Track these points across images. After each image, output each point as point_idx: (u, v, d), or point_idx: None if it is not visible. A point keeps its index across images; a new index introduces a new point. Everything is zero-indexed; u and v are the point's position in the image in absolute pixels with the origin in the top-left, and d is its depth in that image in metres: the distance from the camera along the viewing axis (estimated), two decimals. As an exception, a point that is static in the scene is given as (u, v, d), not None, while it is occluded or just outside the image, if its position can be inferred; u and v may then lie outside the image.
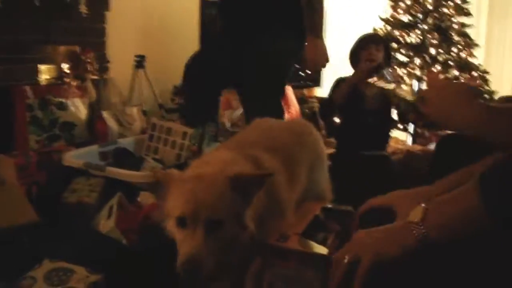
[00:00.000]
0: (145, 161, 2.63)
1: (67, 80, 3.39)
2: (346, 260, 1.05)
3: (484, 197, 0.94)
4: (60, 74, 3.41)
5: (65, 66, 3.40)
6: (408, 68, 4.44)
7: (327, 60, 2.82)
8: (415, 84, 4.53)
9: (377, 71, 3.17)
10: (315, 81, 4.99)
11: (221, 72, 2.78)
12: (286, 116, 4.29)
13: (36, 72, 3.25)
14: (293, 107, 4.52)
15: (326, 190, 2.03)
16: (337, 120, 3.80)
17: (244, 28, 2.74)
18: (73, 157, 2.40)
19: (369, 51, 3.39)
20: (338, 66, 5.15)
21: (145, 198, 2.10)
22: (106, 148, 2.71)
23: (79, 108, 3.32)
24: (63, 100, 3.24)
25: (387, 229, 1.08)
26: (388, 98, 3.28)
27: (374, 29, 4.63)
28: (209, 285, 1.39)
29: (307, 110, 4.77)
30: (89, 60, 3.46)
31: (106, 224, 1.85)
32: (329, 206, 2.21)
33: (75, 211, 2.03)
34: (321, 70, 2.73)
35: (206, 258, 1.26)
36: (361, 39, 3.55)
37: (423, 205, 1.03)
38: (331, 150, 4.07)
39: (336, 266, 1.07)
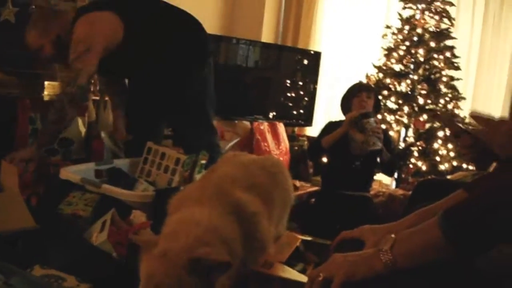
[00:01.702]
0: (138, 183, 2.74)
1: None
2: (320, 278, 1.18)
3: (445, 230, 1.10)
4: (64, 91, 3.53)
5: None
6: (396, 116, 4.60)
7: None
8: (403, 131, 4.70)
9: (365, 117, 3.33)
10: (307, 120, 5.14)
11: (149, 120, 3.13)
12: (270, 148, 4.44)
13: (41, 87, 3.37)
14: (283, 144, 4.64)
15: (284, 228, 2.05)
16: (324, 159, 3.93)
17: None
18: (71, 172, 2.50)
19: (361, 98, 3.55)
20: (329, 108, 5.36)
21: (137, 216, 2.21)
22: (102, 166, 2.80)
23: (78, 126, 3.44)
24: (64, 117, 3.34)
25: (359, 254, 1.23)
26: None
27: (367, 75, 4.80)
28: None
29: (296, 148, 4.91)
30: (92, 81, 3.58)
31: (99, 236, 1.94)
32: (309, 239, 2.33)
33: (69, 222, 2.12)
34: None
35: None
36: (352, 87, 3.71)
37: (392, 235, 1.18)
38: (316, 188, 4.22)
39: (311, 281, 1.21)
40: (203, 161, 2.79)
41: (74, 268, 1.74)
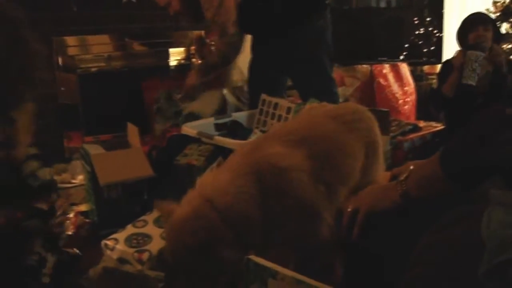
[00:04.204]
0: (253, 133, 2.97)
1: (194, 60, 3.82)
2: (349, 209, 1.34)
3: (442, 164, 1.19)
4: (188, 55, 3.86)
5: (192, 49, 3.85)
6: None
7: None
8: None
9: (471, 47, 3.18)
10: (435, 57, 4.99)
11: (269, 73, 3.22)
12: (393, 90, 4.41)
13: (167, 55, 3.73)
14: (407, 85, 4.58)
15: (380, 178, 1.80)
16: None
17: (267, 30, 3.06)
18: (190, 127, 2.81)
19: (477, 32, 3.38)
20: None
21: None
22: (220, 120, 3.08)
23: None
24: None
25: (381, 187, 1.37)
26: (498, 77, 3.29)
27: (494, 2, 4.50)
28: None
29: (424, 88, 4.80)
30: (213, 43, 3.86)
31: (205, 181, 2.22)
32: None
33: (184, 171, 2.42)
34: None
35: None
36: (466, 20, 3.52)
37: (411, 167, 1.28)
38: (441, 126, 4.13)
39: (343, 213, 1.36)
40: (314, 109, 2.93)
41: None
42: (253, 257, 1.09)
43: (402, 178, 1.29)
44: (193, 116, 3.28)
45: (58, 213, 1.78)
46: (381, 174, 1.82)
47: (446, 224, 1.14)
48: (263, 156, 1.47)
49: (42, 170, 1.70)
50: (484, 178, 1.16)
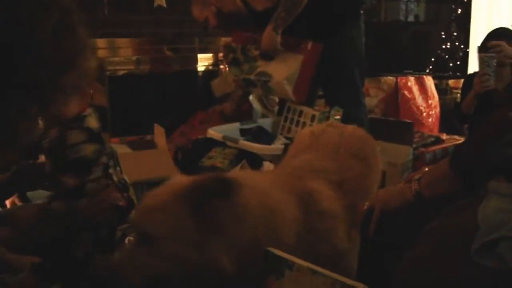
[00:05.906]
0: (277, 138, 3.01)
1: (222, 66, 3.88)
2: (365, 207, 1.42)
3: (451, 163, 1.25)
4: (216, 62, 3.92)
5: (220, 56, 3.91)
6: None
7: (272, 50, 2.96)
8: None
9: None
10: (460, 71, 4.99)
11: None
12: (417, 103, 4.41)
13: (195, 60, 3.80)
14: (432, 98, 4.57)
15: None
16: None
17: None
18: (216, 131, 2.86)
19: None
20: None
21: (267, 167, 2.49)
22: (246, 125, 3.13)
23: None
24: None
25: (396, 188, 1.44)
26: None
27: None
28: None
29: (448, 101, 4.80)
30: (241, 49, 3.91)
31: (228, 183, 2.27)
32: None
33: (208, 172, 2.47)
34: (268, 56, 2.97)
35: (127, 270, 1.15)
36: (488, 35, 3.51)
37: (426, 168, 1.32)
38: (463, 139, 4.12)
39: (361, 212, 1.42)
40: (337, 117, 2.95)
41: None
42: (271, 249, 1.12)
43: (416, 178, 1.33)
44: (265, 76, 3.07)
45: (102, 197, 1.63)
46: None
47: (447, 213, 1.26)
48: (306, 187, 1.43)
49: (86, 145, 1.59)
50: (489, 177, 1.21)
